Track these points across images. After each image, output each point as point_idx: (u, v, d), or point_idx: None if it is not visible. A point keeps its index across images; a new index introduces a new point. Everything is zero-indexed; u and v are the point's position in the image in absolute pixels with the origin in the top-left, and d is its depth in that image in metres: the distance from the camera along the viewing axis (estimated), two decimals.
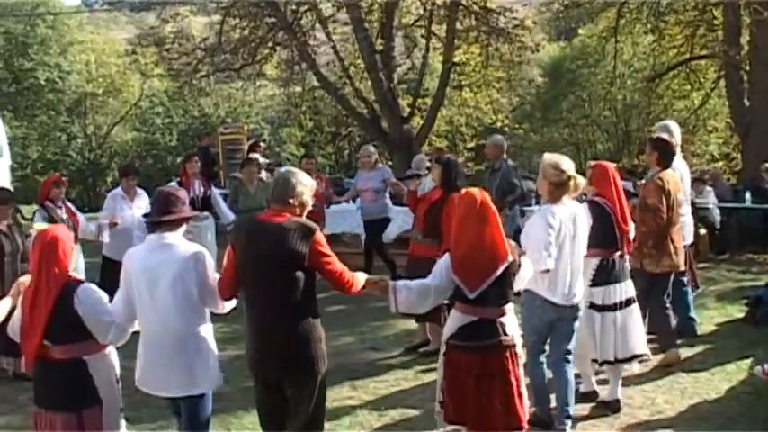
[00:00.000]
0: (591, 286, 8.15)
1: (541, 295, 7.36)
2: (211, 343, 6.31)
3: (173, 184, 12.62)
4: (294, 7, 21.58)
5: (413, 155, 17.94)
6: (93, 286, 5.95)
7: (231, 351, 9.33)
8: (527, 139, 42.47)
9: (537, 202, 15.11)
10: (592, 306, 8.18)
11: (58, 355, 5.78)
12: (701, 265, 15.72)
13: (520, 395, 6.30)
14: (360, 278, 6.34)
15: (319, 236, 6.07)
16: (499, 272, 6.23)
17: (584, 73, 38.55)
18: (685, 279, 10.44)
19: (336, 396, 8.69)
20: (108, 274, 10.92)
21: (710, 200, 17.79)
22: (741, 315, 11.53)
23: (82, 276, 6.57)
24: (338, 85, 23.06)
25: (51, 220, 10.59)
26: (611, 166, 8.54)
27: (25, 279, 6.23)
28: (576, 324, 7.66)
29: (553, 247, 7.11)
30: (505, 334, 6.30)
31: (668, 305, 9.74)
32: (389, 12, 21.89)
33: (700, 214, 17.21)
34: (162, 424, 7.86)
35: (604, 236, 8.10)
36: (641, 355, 8.41)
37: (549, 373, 7.69)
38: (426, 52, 23.61)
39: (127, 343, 6.05)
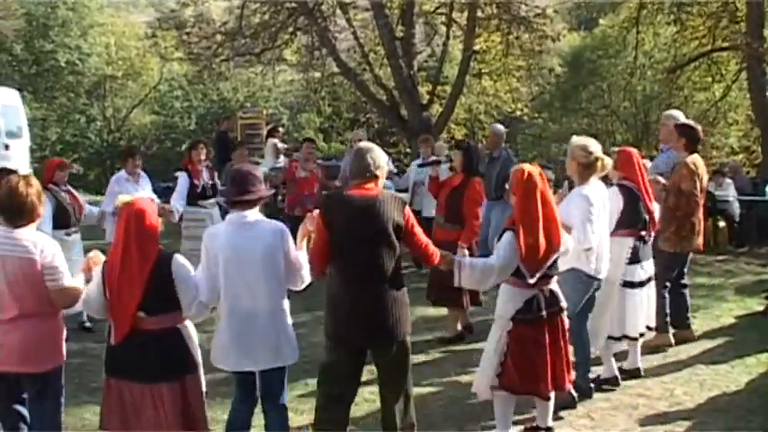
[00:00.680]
0: (628, 264, 8.51)
1: (586, 271, 7.76)
2: (290, 318, 6.47)
3: (181, 173, 12.69)
4: None
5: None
6: (183, 257, 6.03)
7: None
8: (546, 129, 42.35)
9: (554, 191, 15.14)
10: (626, 284, 8.57)
11: (153, 325, 5.82)
12: (720, 257, 15.70)
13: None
14: None
15: (408, 208, 6.47)
16: (552, 261, 6.75)
17: (604, 63, 38.36)
18: None
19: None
20: None
21: (730, 192, 17.73)
22: (761, 308, 11.51)
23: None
24: (358, 72, 23.00)
25: (57, 202, 10.58)
26: (635, 151, 8.87)
27: (95, 254, 6.36)
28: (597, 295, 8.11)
29: (595, 225, 7.47)
30: (562, 299, 6.98)
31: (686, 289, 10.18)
32: None
33: (719, 207, 17.20)
34: None
35: (636, 217, 8.47)
36: (652, 328, 9.09)
37: None
38: (447, 40, 23.56)
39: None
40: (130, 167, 12.26)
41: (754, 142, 32.42)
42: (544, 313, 6.77)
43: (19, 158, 22.86)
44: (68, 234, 10.71)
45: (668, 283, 9.83)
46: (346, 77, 23.87)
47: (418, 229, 6.55)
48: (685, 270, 10.24)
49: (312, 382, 8.64)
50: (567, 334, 7.11)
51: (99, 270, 5.97)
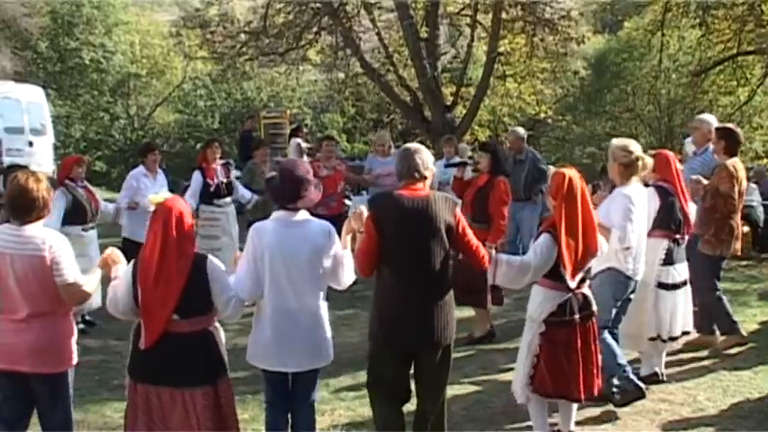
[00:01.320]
0: (662, 266, 8.55)
1: (623, 272, 7.79)
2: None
3: (195, 172, 12.74)
4: None
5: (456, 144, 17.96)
6: (216, 259, 6.00)
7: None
8: (569, 131, 42.24)
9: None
10: (660, 285, 8.64)
11: (186, 328, 5.76)
12: (744, 262, 15.61)
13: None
14: None
15: (458, 209, 6.48)
16: (588, 265, 6.88)
17: (628, 66, 38.25)
18: None
19: (342, 394, 8.71)
20: (130, 257, 10.83)
21: (755, 197, 17.61)
22: None
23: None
24: (382, 72, 23.01)
25: (74, 199, 10.60)
26: (672, 154, 9.00)
27: (112, 251, 6.33)
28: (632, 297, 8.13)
29: (636, 226, 7.64)
30: (593, 303, 6.97)
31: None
32: (435, 0, 21.82)
33: (743, 212, 17.09)
34: None
35: (671, 219, 8.59)
36: (689, 332, 9.00)
37: None
38: (471, 41, 23.58)
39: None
40: (150, 163, 12.35)
41: None
42: (577, 316, 6.79)
43: (43, 155, 23.02)
44: (85, 230, 10.77)
45: (718, 286, 9.91)
46: (370, 78, 23.88)
47: (469, 231, 6.53)
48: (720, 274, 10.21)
49: (334, 383, 8.67)
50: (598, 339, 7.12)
51: (129, 270, 5.89)
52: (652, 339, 8.66)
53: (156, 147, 13.26)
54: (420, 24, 22.09)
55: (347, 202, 13.11)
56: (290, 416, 6.54)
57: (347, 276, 6.42)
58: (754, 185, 17.99)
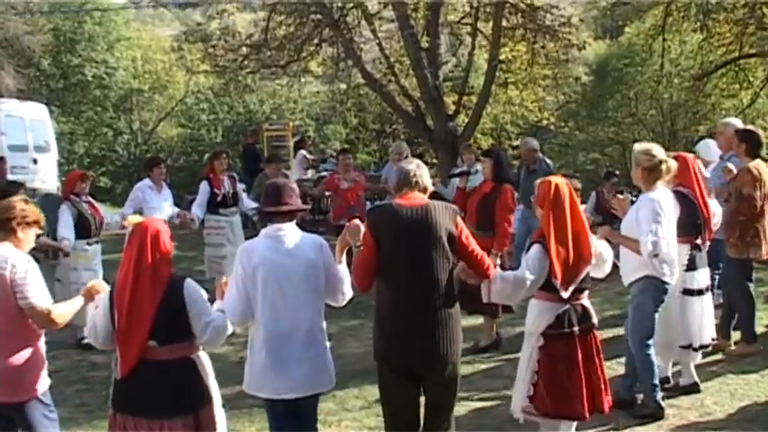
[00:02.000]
0: (685, 271, 8.48)
1: (660, 278, 7.77)
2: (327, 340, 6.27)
3: (202, 182, 12.87)
4: (340, 4, 21.50)
5: (457, 153, 17.98)
6: (194, 282, 5.79)
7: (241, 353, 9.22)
8: (572, 138, 42.22)
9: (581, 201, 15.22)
10: (686, 292, 8.56)
11: (164, 355, 5.55)
12: None
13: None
14: None
15: (459, 218, 6.30)
16: (585, 273, 6.64)
17: (630, 71, 38.21)
18: None
19: (349, 405, 8.71)
20: None
21: None
22: None
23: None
24: (383, 82, 22.93)
25: (78, 214, 10.70)
26: (691, 157, 8.97)
27: (96, 282, 6.16)
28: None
29: (665, 231, 7.46)
30: (593, 316, 6.81)
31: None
32: (435, 9, 21.78)
33: None
34: None
35: (692, 224, 8.56)
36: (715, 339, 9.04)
37: None
38: (472, 50, 23.50)
39: None
40: (156, 176, 12.47)
41: None
42: (576, 329, 6.61)
43: (47, 172, 23.11)
44: (89, 244, 10.93)
45: (749, 289, 9.99)
46: (372, 88, 23.81)
47: (472, 240, 6.34)
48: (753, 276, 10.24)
49: (340, 394, 8.65)
50: (602, 352, 6.89)
51: (106, 296, 5.73)
52: (683, 348, 8.64)
53: (161, 160, 13.43)
54: (421, 34, 22.04)
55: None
56: None
57: (345, 292, 6.25)
58: None
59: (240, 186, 13.64)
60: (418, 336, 6.05)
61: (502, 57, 21.96)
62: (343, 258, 6.26)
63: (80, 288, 6.71)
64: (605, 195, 14.72)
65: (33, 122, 23.86)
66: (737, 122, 10.85)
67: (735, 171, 9.67)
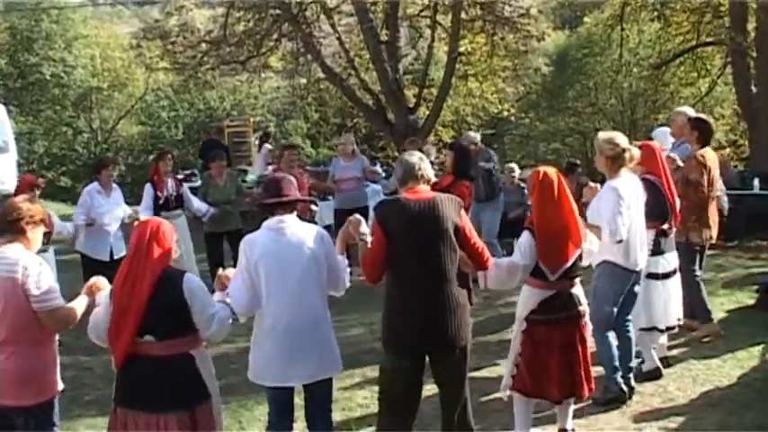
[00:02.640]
0: (650, 256, 8.55)
1: (620, 264, 7.88)
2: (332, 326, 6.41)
3: (146, 185, 12.73)
4: None
5: (420, 145, 17.99)
6: (193, 276, 5.78)
7: (241, 344, 9.32)
8: (533, 128, 42.42)
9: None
10: (650, 276, 8.69)
11: (162, 351, 5.50)
12: (710, 252, 15.68)
13: (590, 361, 7.04)
14: None
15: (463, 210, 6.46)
16: (574, 258, 6.80)
17: (590, 61, 38.40)
18: None
19: (347, 388, 8.73)
20: (91, 273, 10.26)
21: (718, 187, 17.70)
22: (751, 302, 11.54)
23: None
24: (343, 77, 22.93)
25: None
26: (657, 145, 9.22)
27: (97, 279, 6.15)
28: (637, 289, 8.24)
29: (626, 218, 7.60)
30: (580, 304, 6.94)
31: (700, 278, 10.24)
32: (394, 2, 21.83)
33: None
34: None
35: (659, 210, 8.62)
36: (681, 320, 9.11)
37: None
38: (432, 42, 23.59)
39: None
40: (104, 179, 12.16)
41: (740, 136, 32.56)
42: (559, 315, 6.81)
43: (6, 173, 22.79)
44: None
45: (697, 274, 10.08)
46: (332, 83, 23.81)
47: (474, 232, 6.50)
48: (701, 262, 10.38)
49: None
50: (587, 339, 7.10)
51: (107, 293, 5.73)
52: (643, 330, 8.74)
53: (110, 162, 12.97)
54: (380, 27, 22.05)
55: (314, 208, 13.04)
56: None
57: (345, 282, 6.41)
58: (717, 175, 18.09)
59: (185, 188, 13.41)
60: (431, 324, 6.17)
61: (461, 49, 22.02)
62: (344, 250, 6.47)
63: None
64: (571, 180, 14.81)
65: None
66: (690, 111, 10.99)
67: (678, 160, 9.79)
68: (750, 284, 12.23)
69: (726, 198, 17.44)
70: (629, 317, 8.22)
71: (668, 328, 8.92)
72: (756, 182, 18.06)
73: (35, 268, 5.79)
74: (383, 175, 16.60)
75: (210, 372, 5.83)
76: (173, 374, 5.54)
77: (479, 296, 11.10)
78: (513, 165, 16.95)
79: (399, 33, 22.70)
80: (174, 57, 23.95)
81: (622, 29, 26.84)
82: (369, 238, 6.34)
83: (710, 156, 10.00)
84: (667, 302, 8.84)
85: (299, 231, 6.17)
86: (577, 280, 6.99)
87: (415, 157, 6.52)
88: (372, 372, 8.82)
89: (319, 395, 6.33)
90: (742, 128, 30.23)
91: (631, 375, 8.18)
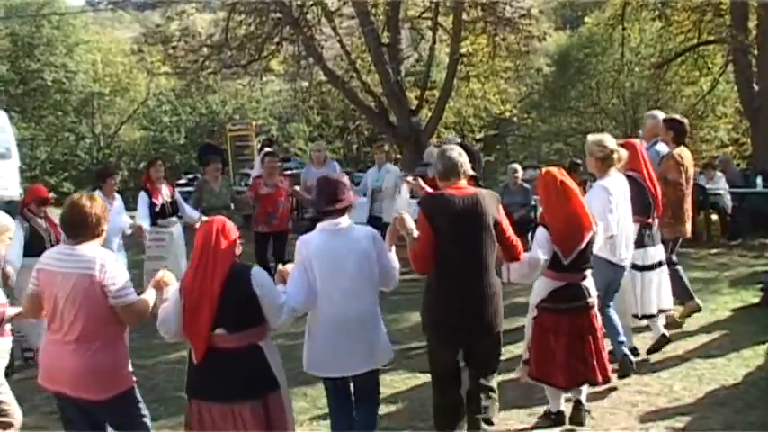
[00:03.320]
0: (636, 249, 8.94)
1: (609, 259, 8.25)
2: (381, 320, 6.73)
3: (141, 192, 12.53)
4: (300, 2, 21.46)
5: (421, 147, 18.00)
6: (260, 268, 6.00)
7: None
8: (535, 129, 42.41)
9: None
10: (634, 267, 9.10)
11: (234, 343, 5.69)
12: (714, 251, 15.70)
13: (604, 349, 7.41)
14: None
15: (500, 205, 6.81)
16: (586, 241, 7.21)
17: (591, 61, 38.42)
18: None
19: (320, 404, 8.68)
20: None
21: (721, 186, 17.74)
22: (756, 300, 11.50)
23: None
24: (345, 79, 22.92)
25: (31, 229, 10.11)
26: (638, 142, 9.59)
27: (164, 273, 6.28)
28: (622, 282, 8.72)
29: (615, 215, 8.08)
30: (590, 296, 7.32)
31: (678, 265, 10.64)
32: (395, 4, 21.82)
33: (711, 200, 17.23)
34: (179, 421, 7.80)
35: (641, 205, 8.99)
36: (668, 310, 9.63)
37: None
38: (433, 44, 23.55)
39: None
40: (108, 188, 11.91)
41: (743, 134, 32.55)
42: (565, 306, 7.19)
43: (8, 179, 22.81)
44: None
45: (676, 265, 10.51)
46: (334, 86, 23.81)
47: (509, 226, 6.77)
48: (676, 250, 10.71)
49: (312, 392, 8.64)
50: (599, 329, 7.44)
51: (176, 289, 5.83)
52: (635, 317, 9.28)
53: (114, 171, 12.86)
54: (381, 30, 22.03)
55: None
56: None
57: (396, 278, 6.69)
58: (720, 174, 18.11)
59: (178, 194, 13.14)
60: (472, 311, 6.54)
61: (463, 50, 22.03)
62: (394, 247, 6.73)
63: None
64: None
65: None
66: (660, 114, 11.25)
67: None
68: (755, 283, 12.20)
69: (729, 197, 17.55)
70: (611, 304, 8.46)
71: (644, 316, 9.32)
72: (759, 180, 18.09)
73: (111, 265, 5.87)
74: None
75: (278, 362, 5.99)
76: (244, 365, 5.72)
77: None
78: (516, 165, 16.93)
79: (401, 35, 22.69)
80: (175, 61, 23.96)
81: (624, 28, 26.83)
82: (416, 233, 6.53)
83: (686, 155, 10.47)
84: (649, 292, 9.29)
85: (350, 231, 6.47)
86: (588, 272, 7.35)
87: (455, 152, 6.74)
88: (383, 374, 8.82)
89: (365, 384, 6.66)
90: (744, 126, 30.22)
91: (626, 349, 8.46)
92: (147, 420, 6.20)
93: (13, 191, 21.98)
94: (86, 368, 5.79)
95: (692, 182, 10.68)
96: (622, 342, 8.40)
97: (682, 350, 9.55)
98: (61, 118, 41.90)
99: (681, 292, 10.46)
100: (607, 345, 7.90)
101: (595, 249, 7.74)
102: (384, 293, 6.70)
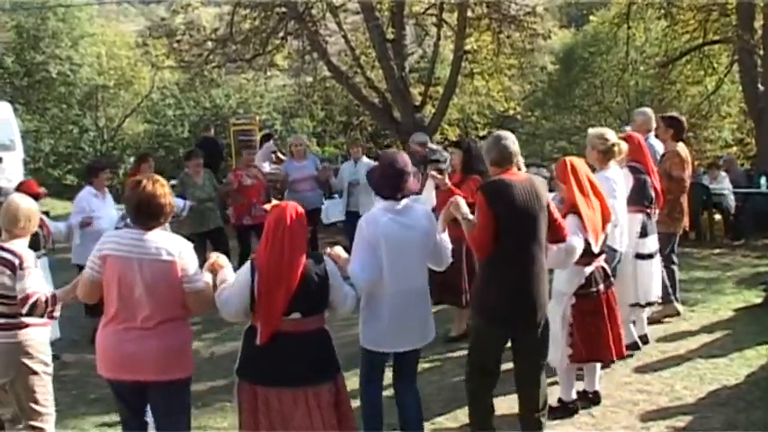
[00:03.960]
0: (638, 238, 9.44)
1: (612, 246, 8.44)
2: None
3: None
4: None
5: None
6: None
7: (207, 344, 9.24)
8: (539, 127, 42.36)
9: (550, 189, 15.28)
10: (638, 256, 9.51)
11: (310, 326, 5.82)
12: (717, 251, 15.69)
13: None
14: None
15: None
16: (609, 228, 7.76)
17: (596, 60, 38.35)
18: None
19: (349, 387, 8.71)
20: None
21: (725, 186, 17.74)
22: (759, 300, 11.49)
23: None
24: (349, 75, 22.92)
25: None
26: (641, 136, 9.91)
27: (218, 256, 6.33)
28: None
29: (618, 203, 8.38)
30: (611, 275, 7.94)
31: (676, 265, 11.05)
32: (400, 0, 21.81)
33: (715, 200, 17.22)
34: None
35: (644, 195, 9.41)
36: (654, 303, 9.90)
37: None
38: (438, 40, 23.57)
39: None
40: (99, 183, 11.76)
41: (747, 134, 32.52)
42: (602, 287, 7.66)
43: (12, 171, 22.80)
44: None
45: (674, 259, 10.87)
46: (338, 81, 23.79)
47: (555, 209, 6.93)
48: (676, 247, 11.03)
49: None
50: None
51: (246, 271, 5.79)
52: (632, 306, 9.45)
53: (107, 165, 12.76)
54: (386, 25, 22.04)
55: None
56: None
57: (449, 257, 6.91)
58: (724, 174, 18.12)
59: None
60: (529, 295, 6.65)
61: (467, 47, 22.06)
62: (446, 229, 6.91)
63: None
64: None
65: None
66: (649, 111, 11.42)
67: None
68: (758, 283, 12.24)
69: (732, 197, 17.54)
70: None
71: (648, 304, 9.69)
72: (763, 180, 18.07)
73: (188, 252, 5.98)
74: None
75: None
76: (315, 349, 5.88)
77: None
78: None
79: (405, 31, 22.68)
80: (180, 55, 23.95)
81: (629, 27, 26.85)
82: (470, 217, 6.68)
83: (686, 152, 10.79)
84: (650, 280, 9.63)
85: (412, 210, 6.67)
86: (604, 255, 7.76)
87: (510, 141, 6.85)
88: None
89: (411, 361, 6.93)
90: (749, 126, 30.19)
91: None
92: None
93: (17, 182, 21.97)
94: (171, 348, 5.95)
95: (691, 178, 11.02)
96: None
97: (684, 350, 9.56)
98: (65, 110, 41.84)
99: (665, 293, 10.53)
100: None
101: None
102: None
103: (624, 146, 8.57)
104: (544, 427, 7.00)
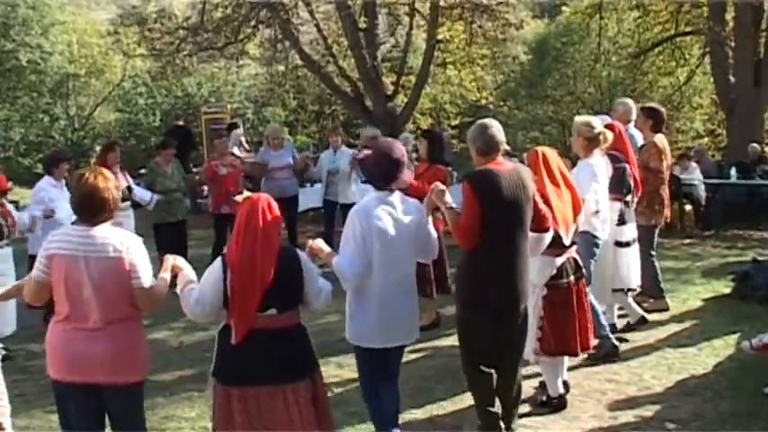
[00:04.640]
0: (617, 226, 9.53)
1: (595, 234, 8.74)
2: None
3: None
4: None
5: (397, 133, 17.92)
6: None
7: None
8: (511, 117, 42.31)
9: None
10: (617, 243, 9.64)
11: (285, 322, 5.69)
12: (687, 241, 15.76)
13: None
14: None
15: None
16: (578, 222, 7.82)
17: (568, 50, 38.36)
18: None
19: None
20: None
21: (696, 176, 17.83)
22: (728, 291, 11.59)
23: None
24: (322, 64, 22.88)
25: None
26: (621, 125, 10.05)
27: (175, 258, 6.13)
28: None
29: (600, 191, 8.54)
30: (582, 267, 7.86)
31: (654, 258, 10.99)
32: None
33: (685, 191, 17.29)
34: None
35: (623, 184, 9.49)
36: (634, 289, 10.06)
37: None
38: (410, 30, 23.53)
39: None
40: (58, 174, 11.68)
41: (718, 126, 32.68)
42: (572, 278, 7.63)
43: None
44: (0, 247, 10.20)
45: (652, 252, 10.80)
46: (310, 70, 23.76)
47: (539, 198, 6.96)
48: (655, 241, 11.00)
49: None
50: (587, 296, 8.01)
51: (217, 268, 5.62)
52: (617, 291, 9.68)
53: (67, 157, 12.84)
54: (358, 14, 21.99)
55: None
56: None
57: (436, 248, 6.88)
58: (695, 165, 18.21)
59: (130, 179, 13.16)
60: (513, 283, 6.68)
61: (440, 36, 22.07)
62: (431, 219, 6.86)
63: None
64: None
65: None
66: (630, 102, 11.53)
67: None
68: (726, 273, 12.31)
69: (703, 187, 17.63)
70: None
71: (629, 290, 9.89)
72: (734, 171, 18.21)
73: (137, 247, 5.76)
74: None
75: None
76: (294, 344, 5.75)
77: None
78: None
79: (378, 20, 22.59)
80: (151, 43, 23.85)
81: (601, 17, 26.88)
82: (454, 205, 6.65)
83: (665, 143, 10.87)
84: (629, 267, 9.78)
85: (404, 202, 6.56)
86: (575, 247, 7.76)
87: (495, 129, 6.82)
88: (347, 359, 8.77)
89: (397, 358, 6.84)
90: (720, 117, 30.34)
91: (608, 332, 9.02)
92: None
93: None
94: (121, 350, 5.72)
95: (669, 169, 11.08)
96: (603, 325, 8.84)
97: (652, 339, 9.63)
98: (36, 99, 41.48)
99: (652, 287, 10.68)
100: None
101: (582, 226, 8.17)
102: None
103: (609, 135, 8.69)
104: (515, 420, 7.03)
